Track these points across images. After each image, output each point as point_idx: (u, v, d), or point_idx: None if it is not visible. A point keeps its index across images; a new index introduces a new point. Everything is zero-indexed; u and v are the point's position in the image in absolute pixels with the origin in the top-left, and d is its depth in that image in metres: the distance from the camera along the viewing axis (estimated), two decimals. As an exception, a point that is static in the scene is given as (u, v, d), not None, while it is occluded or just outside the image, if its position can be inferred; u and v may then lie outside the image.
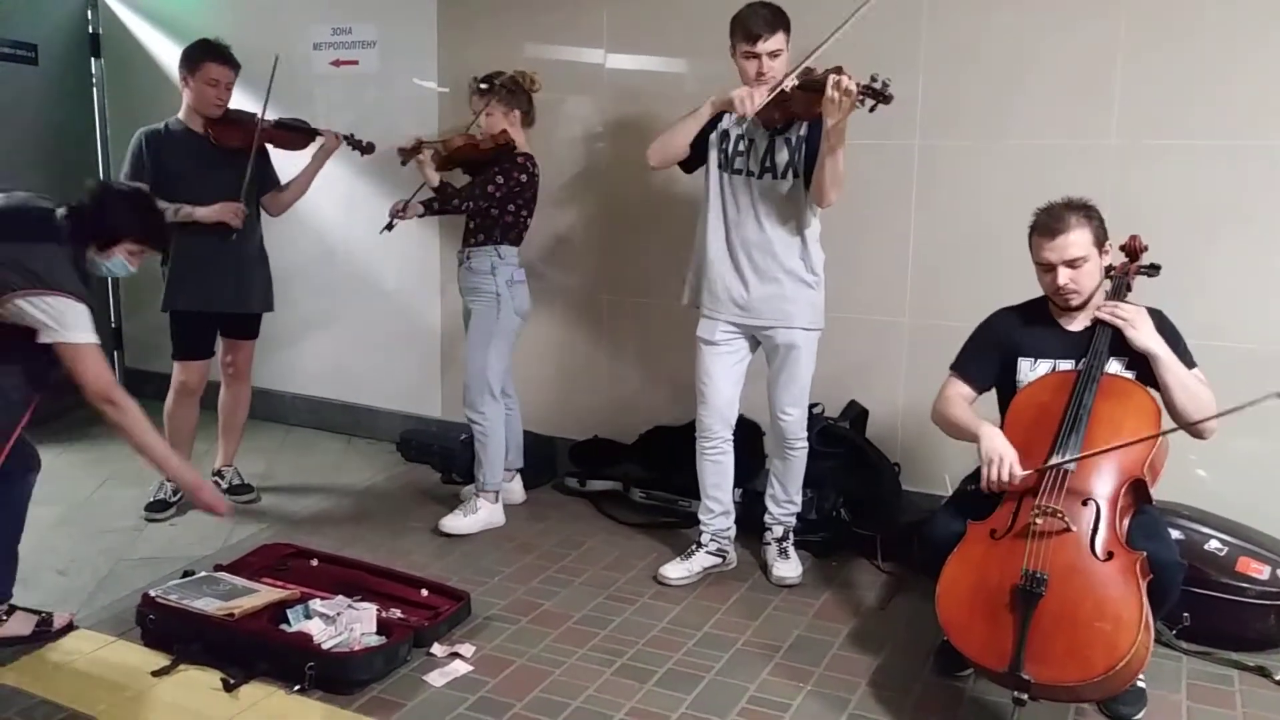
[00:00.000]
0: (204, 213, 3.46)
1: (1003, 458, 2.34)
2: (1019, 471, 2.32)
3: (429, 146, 3.46)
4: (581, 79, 3.95)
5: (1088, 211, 2.44)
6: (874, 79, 2.56)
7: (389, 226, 3.56)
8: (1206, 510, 2.90)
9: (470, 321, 3.58)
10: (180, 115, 3.54)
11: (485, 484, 3.58)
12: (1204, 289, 3.03)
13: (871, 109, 2.59)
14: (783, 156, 2.93)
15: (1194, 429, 2.36)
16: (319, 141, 3.70)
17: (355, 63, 4.39)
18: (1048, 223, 2.43)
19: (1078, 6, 3.14)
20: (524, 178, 3.41)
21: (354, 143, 3.68)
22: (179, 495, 3.72)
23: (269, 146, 3.66)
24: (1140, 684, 2.41)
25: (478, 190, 3.39)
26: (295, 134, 3.70)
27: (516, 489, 3.84)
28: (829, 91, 2.58)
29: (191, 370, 3.62)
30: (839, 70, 2.61)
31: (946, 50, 3.33)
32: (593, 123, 3.98)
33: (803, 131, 2.90)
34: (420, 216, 3.62)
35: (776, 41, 2.82)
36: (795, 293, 3.00)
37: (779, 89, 2.76)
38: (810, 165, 2.85)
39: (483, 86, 3.45)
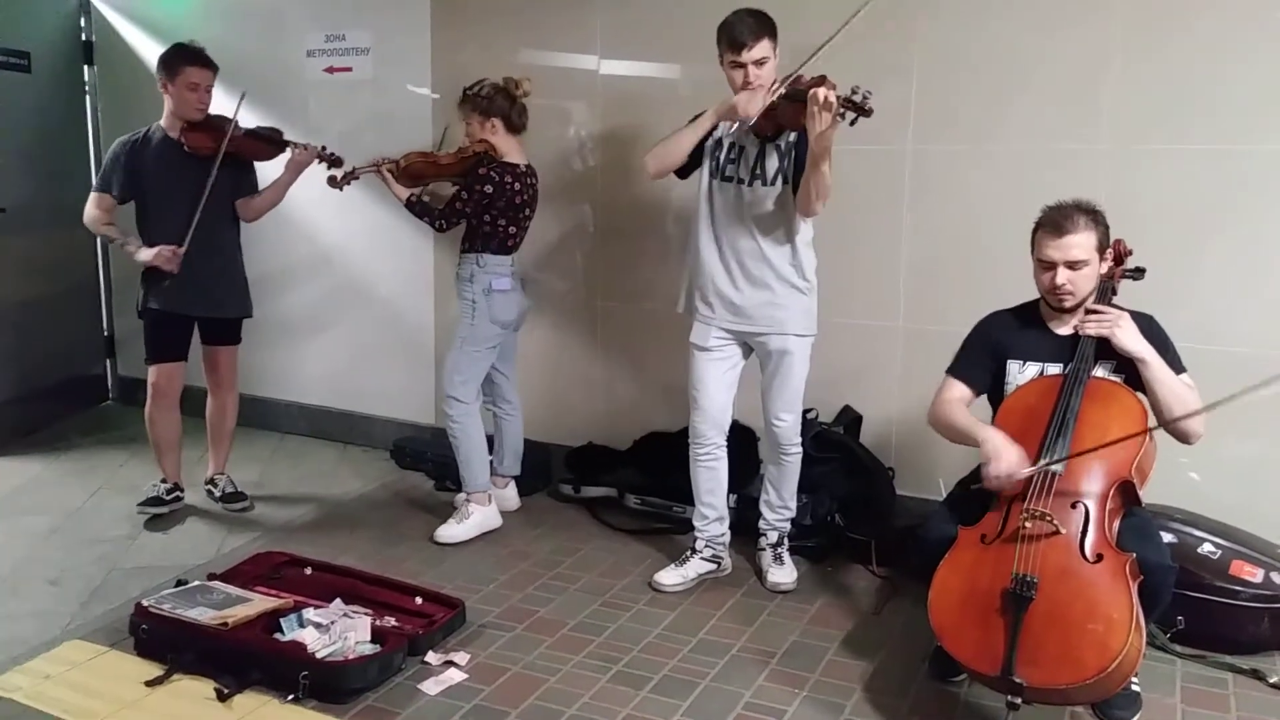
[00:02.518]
0: (141, 256, 3.50)
1: (1009, 456, 2.34)
2: (1023, 472, 2.32)
3: (387, 163, 3.47)
4: (575, 85, 3.95)
5: (1095, 216, 2.45)
6: (854, 91, 2.55)
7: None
8: (1199, 513, 2.90)
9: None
10: (163, 121, 3.55)
11: (467, 487, 3.58)
12: (1195, 292, 3.04)
13: (852, 122, 2.59)
14: (773, 163, 2.93)
15: (1179, 431, 2.38)
16: (289, 153, 3.64)
17: (349, 70, 4.38)
18: (1056, 220, 2.43)
19: (1069, 12, 3.15)
20: (488, 189, 3.38)
21: (327, 158, 3.61)
22: (172, 495, 3.72)
23: (243, 155, 3.60)
24: (1135, 687, 2.42)
25: (447, 209, 3.43)
26: (264, 144, 3.64)
27: (511, 496, 3.83)
28: (810, 106, 2.58)
29: (163, 373, 3.62)
30: (821, 82, 2.60)
31: (939, 55, 3.34)
32: (587, 129, 3.98)
33: (792, 138, 2.90)
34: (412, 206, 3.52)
35: (762, 49, 2.82)
36: (788, 299, 3.00)
37: (778, 90, 2.77)
38: (799, 173, 2.86)
39: (467, 93, 3.47)
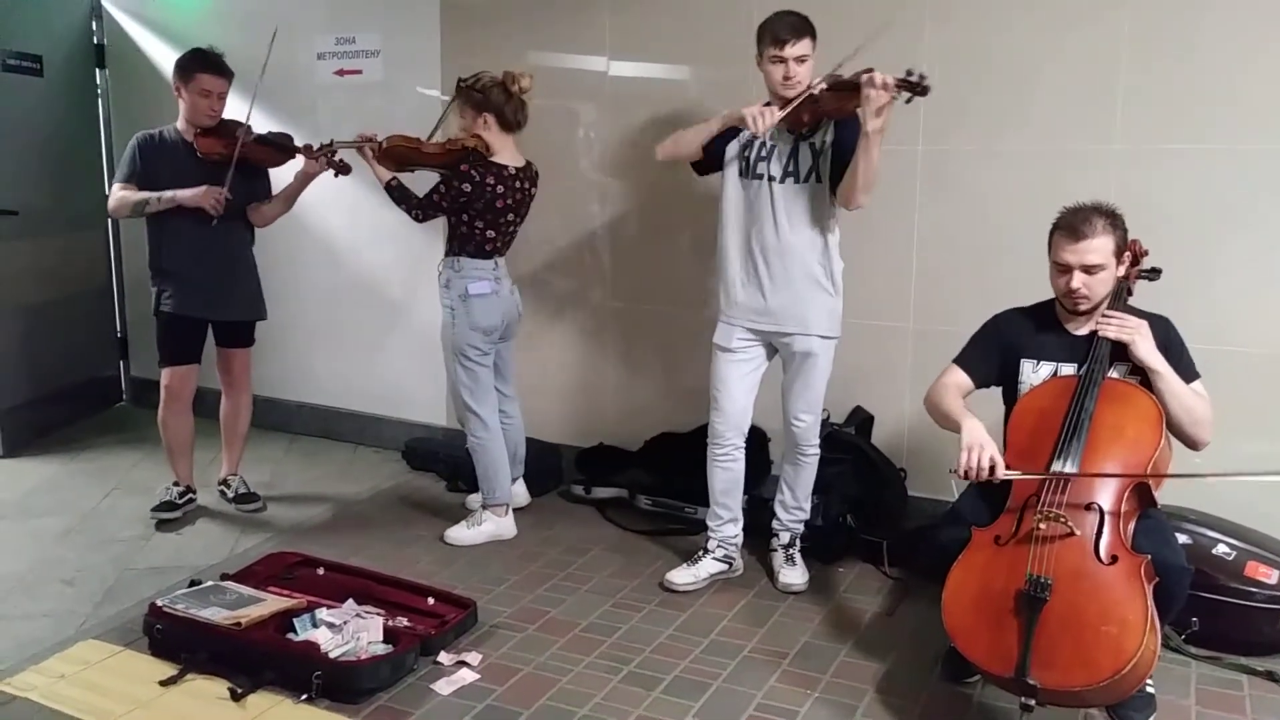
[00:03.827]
0: (185, 195, 3.44)
1: (982, 446, 2.34)
2: (999, 460, 2.32)
3: (371, 143, 3.36)
4: (584, 87, 3.95)
5: (1114, 219, 2.42)
6: (909, 73, 2.59)
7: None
8: (1214, 514, 2.89)
9: None
10: (178, 124, 3.56)
11: (485, 499, 3.55)
12: (1210, 292, 3.03)
13: (908, 101, 2.63)
14: (806, 161, 2.93)
15: (1186, 438, 2.39)
16: (300, 159, 3.59)
17: (359, 72, 4.40)
18: (1073, 224, 2.40)
19: (1081, 12, 3.14)
20: (467, 187, 3.25)
21: (337, 166, 3.56)
22: (185, 499, 3.74)
23: (253, 161, 3.56)
24: (1149, 689, 2.40)
25: (425, 200, 3.32)
26: (274, 150, 3.61)
27: (521, 491, 3.81)
28: (866, 90, 2.62)
29: (176, 375, 3.63)
30: (870, 70, 2.64)
31: (950, 55, 3.32)
32: (596, 130, 3.98)
33: (829, 136, 2.90)
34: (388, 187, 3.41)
35: (803, 47, 2.84)
36: (815, 299, 2.99)
37: (790, 109, 2.80)
38: (835, 169, 2.87)
39: (461, 85, 3.37)
